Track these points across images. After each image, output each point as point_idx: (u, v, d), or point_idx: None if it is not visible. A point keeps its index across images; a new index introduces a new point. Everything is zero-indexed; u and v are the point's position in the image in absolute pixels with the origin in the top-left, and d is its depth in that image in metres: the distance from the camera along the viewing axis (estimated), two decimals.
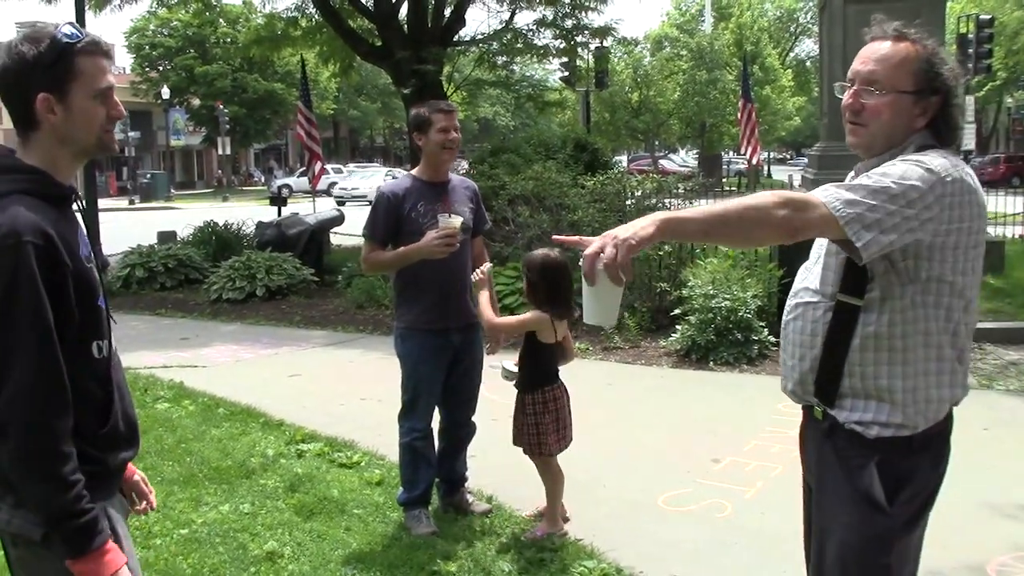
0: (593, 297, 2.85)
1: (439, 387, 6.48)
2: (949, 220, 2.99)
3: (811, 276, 3.36)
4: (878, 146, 3.24)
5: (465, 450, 6.81)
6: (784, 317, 3.45)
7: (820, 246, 3.35)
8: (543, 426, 6.17)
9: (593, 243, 2.77)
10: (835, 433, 3.28)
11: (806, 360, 3.30)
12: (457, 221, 5.98)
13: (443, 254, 5.97)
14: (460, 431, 6.73)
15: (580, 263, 2.77)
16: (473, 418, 6.78)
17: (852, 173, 3.36)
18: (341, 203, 44.58)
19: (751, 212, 2.87)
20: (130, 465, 3.15)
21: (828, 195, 2.92)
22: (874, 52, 3.23)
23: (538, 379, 6.21)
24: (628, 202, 14.24)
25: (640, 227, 2.76)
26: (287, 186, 56.37)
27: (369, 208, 6.45)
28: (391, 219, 6.17)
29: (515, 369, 6.23)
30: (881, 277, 3.09)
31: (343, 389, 10.38)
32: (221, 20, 64.67)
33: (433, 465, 6.54)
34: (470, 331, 6.51)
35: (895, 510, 3.18)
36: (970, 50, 30.23)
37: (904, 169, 2.98)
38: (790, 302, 3.43)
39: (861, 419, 3.19)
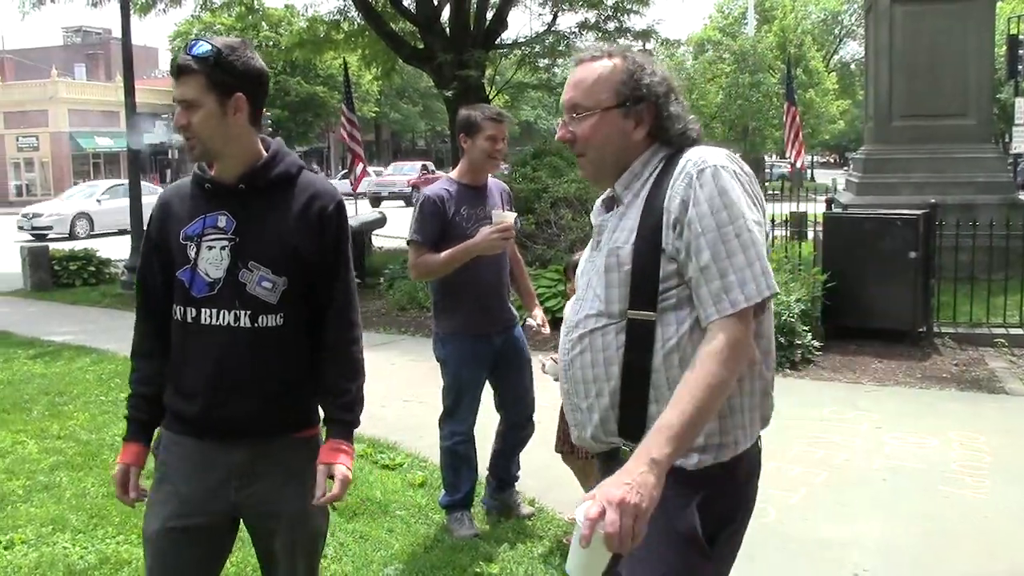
0: (582, 556, 2.50)
1: (480, 391, 6.45)
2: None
3: (587, 301, 3.00)
4: (609, 169, 3.04)
5: (521, 451, 6.76)
6: (563, 357, 3.07)
7: (592, 266, 3.04)
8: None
9: (591, 504, 2.48)
10: None
11: (604, 395, 2.93)
12: (511, 216, 5.98)
13: (500, 248, 5.98)
14: (520, 432, 6.67)
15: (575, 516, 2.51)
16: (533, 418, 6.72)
17: (600, 207, 3.17)
18: (376, 203, 45.15)
19: (719, 389, 2.66)
20: (339, 455, 3.46)
21: (727, 303, 2.71)
22: (571, 79, 3.06)
23: None
24: None
25: (645, 484, 2.50)
26: None
27: (414, 211, 6.33)
28: (438, 222, 6.09)
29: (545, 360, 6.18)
30: (672, 283, 2.83)
31: (385, 391, 10.37)
32: (264, 24, 64.74)
33: (474, 468, 6.51)
34: (510, 331, 6.50)
35: (717, 551, 2.91)
36: (1021, 51, 29.91)
37: (725, 186, 2.78)
38: (568, 338, 3.05)
39: None
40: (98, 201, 37.77)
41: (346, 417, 3.56)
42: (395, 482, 7.37)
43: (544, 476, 7.16)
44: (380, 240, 22.35)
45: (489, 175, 6.47)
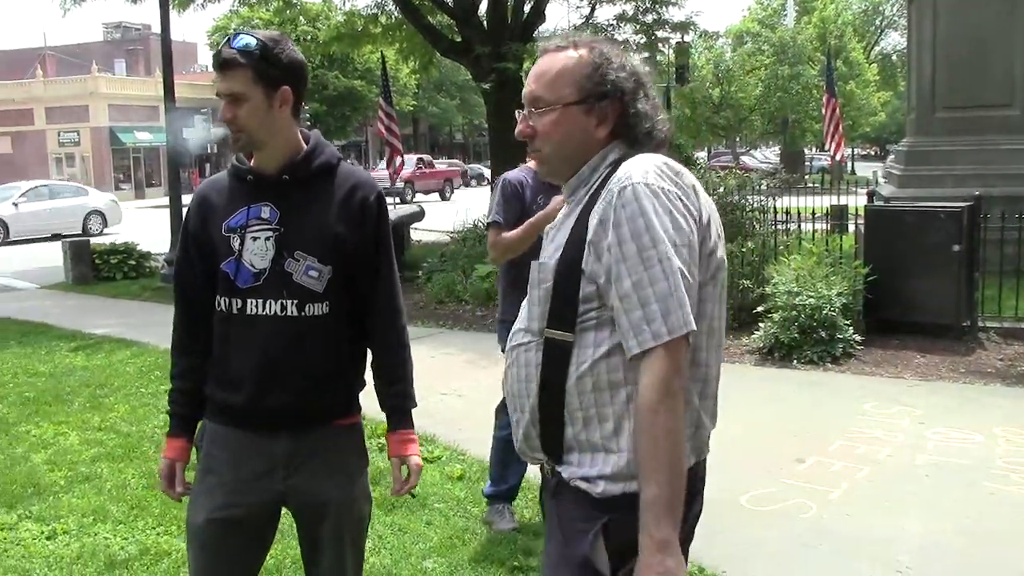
0: None
1: None
2: None
3: (522, 312, 2.92)
4: (563, 169, 2.91)
5: None
6: (505, 363, 2.99)
7: (533, 275, 2.87)
8: None
9: None
10: (561, 492, 2.77)
11: (526, 411, 2.81)
12: None
13: None
14: None
15: None
16: None
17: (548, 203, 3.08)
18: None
19: (675, 437, 2.52)
20: (408, 446, 3.69)
21: (648, 335, 2.54)
22: (533, 70, 2.91)
23: None
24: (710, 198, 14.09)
25: (668, 570, 2.47)
26: None
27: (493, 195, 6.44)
28: (518, 205, 6.16)
29: None
30: (587, 303, 2.67)
31: (423, 384, 10.26)
32: (301, 18, 65.03)
33: (524, 464, 6.43)
34: None
35: None
36: None
37: (648, 208, 2.59)
38: (508, 345, 2.95)
39: (587, 474, 2.70)
40: (15, 204, 33.82)
41: (404, 405, 3.71)
42: (433, 475, 7.36)
43: None
44: (418, 234, 22.36)
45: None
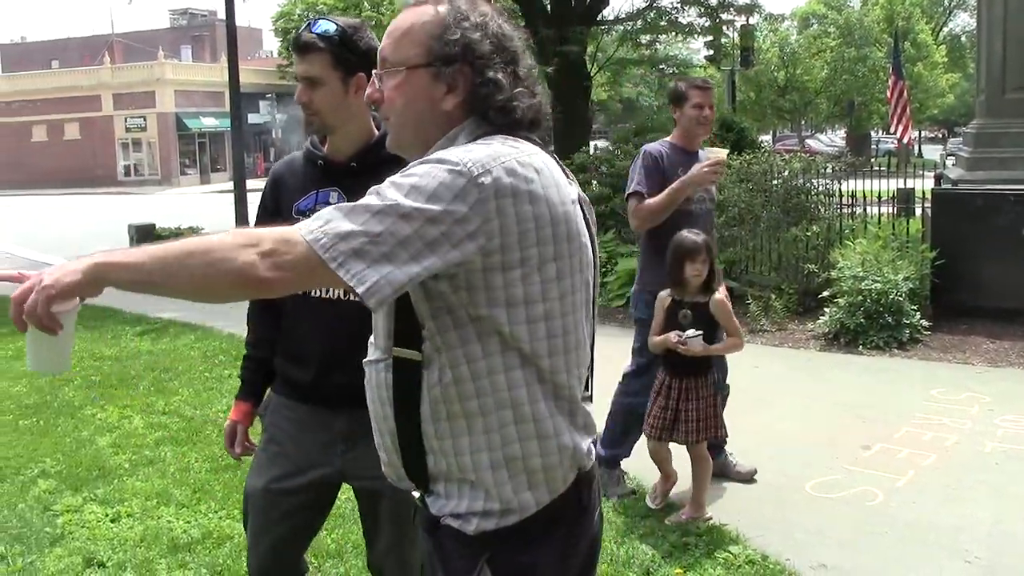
0: (31, 342, 2.32)
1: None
2: (503, 235, 2.26)
3: (374, 322, 2.58)
4: (408, 143, 2.51)
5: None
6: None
7: None
8: (687, 412, 6.08)
9: (25, 283, 2.21)
10: (436, 529, 2.49)
11: (386, 435, 2.52)
12: (723, 152, 6.33)
13: (713, 181, 6.40)
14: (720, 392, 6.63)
15: None
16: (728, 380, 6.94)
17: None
18: None
19: (199, 256, 2.17)
20: None
21: (316, 228, 2.17)
22: (389, 28, 2.52)
23: (678, 365, 6.11)
24: (775, 182, 13.99)
25: (65, 272, 2.18)
26: None
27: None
28: (658, 175, 6.36)
29: (693, 333, 6.05)
30: (433, 319, 2.36)
31: None
32: (366, 3, 65.44)
33: (638, 432, 6.56)
34: None
35: None
36: None
37: (422, 173, 2.23)
38: (366, 359, 2.60)
39: (456, 510, 2.44)
40: None
41: None
42: None
43: (647, 455, 7.09)
44: None
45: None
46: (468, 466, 2.40)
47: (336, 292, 3.43)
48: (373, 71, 2.53)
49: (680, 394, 6.09)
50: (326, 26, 3.42)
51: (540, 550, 2.44)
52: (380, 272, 2.16)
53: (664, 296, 6.14)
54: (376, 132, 3.56)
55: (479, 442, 2.38)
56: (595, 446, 2.57)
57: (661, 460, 6.35)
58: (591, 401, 2.60)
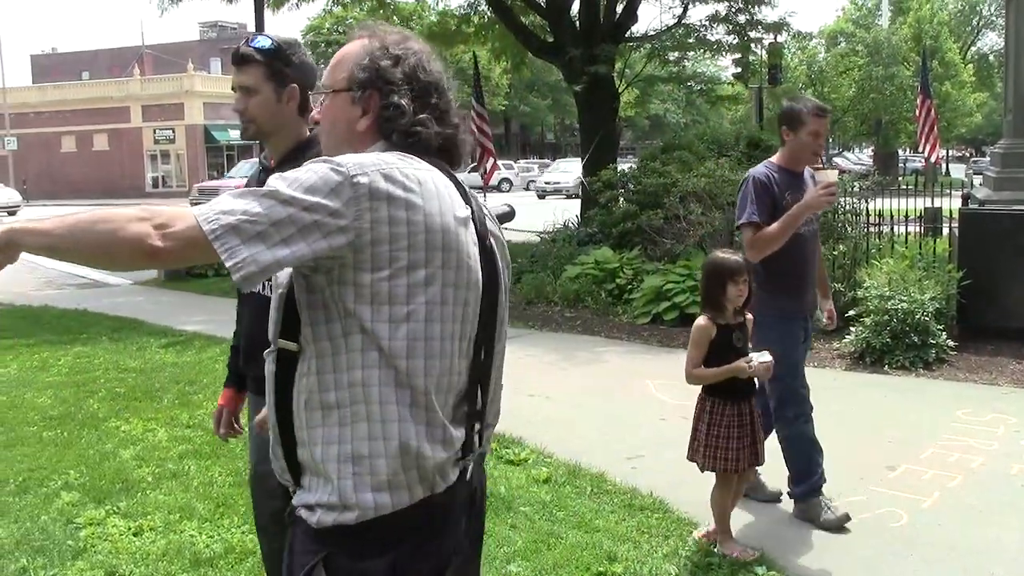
0: None
1: (804, 369, 6.59)
2: (374, 234, 2.40)
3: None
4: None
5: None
6: None
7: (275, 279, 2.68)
8: (717, 439, 5.92)
9: None
10: (292, 520, 2.60)
11: (273, 426, 2.64)
12: (833, 174, 6.09)
13: (829, 205, 6.43)
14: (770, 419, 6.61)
15: None
16: None
17: None
18: (542, 196, 47.41)
19: (102, 225, 2.31)
20: None
21: (206, 206, 2.34)
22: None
23: (712, 389, 5.99)
24: None
25: None
26: None
27: (745, 195, 6.37)
28: (769, 200, 6.23)
29: (767, 359, 5.97)
30: (308, 311, 2.50)
31: (511, 385, 10.23)
32: (395, 17, 65.60)
33: (819, 445, 6.52)
34: (812, 316, 6.72)
35: None
36: None
37: (307, 169, 2.42)
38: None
39: (308, 501, 2.52)
40: None
41: None
42: (519, 478, 7.34)
43: (671, 472, 7.08)
44: (509, 234, 22.38)
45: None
46: (320, 457, 2.49)
47: (267, 286, 3.39)
48: (313, 94, 2.88)
49: (750, 417, 5.98)
50: (263, 41, 3.77)
51: (374, 561, 2.47)
52: (251, 250, 2.30)
53: (707, 324, 5.89)
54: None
55: (332, 434, 2.48)
56: (464, 465, 2.62)
57: (738, 492, 6.27)
58: (480, 420, 2.72)
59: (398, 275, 2.42)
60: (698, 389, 6.08)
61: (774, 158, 6.55)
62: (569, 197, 44.12)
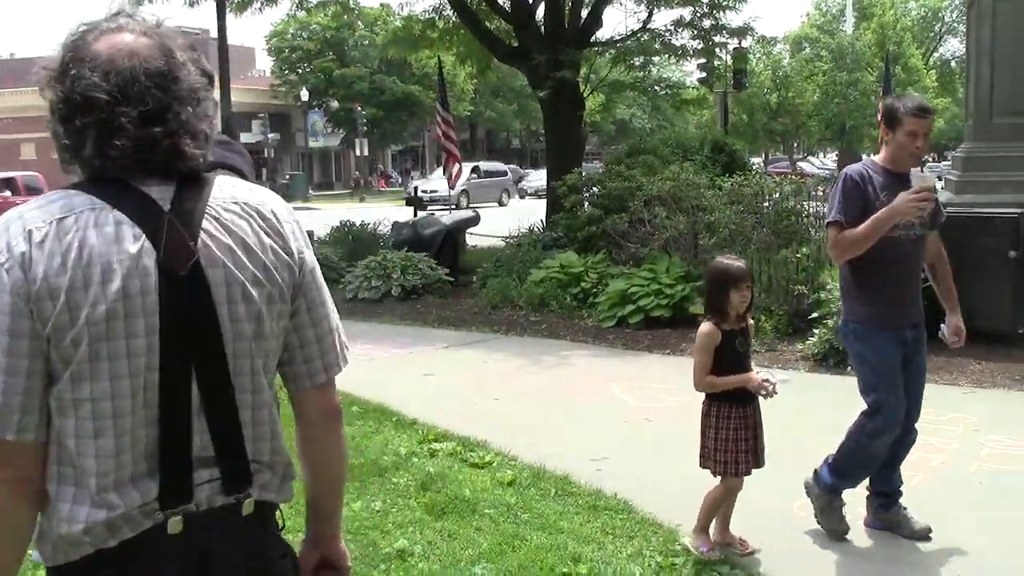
0: None
1: (902, 387, 6.13)
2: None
3: None
4: None
5: (904, 459, 6.44)
6: None
7: None
8: (727, 442, 5.90)
9: None
10: None
11: None
12: (932, 177, 5.80)
13: (919, 213, 5.81)
14: (906, 437, 6.30)
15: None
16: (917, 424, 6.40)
17: None
18: (422, 207, 40.69)
19: None
20: None
21: None
22: None
23: (717, 394, 5.95)
24: (766, 204, 14.09)
25: None
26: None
27: (836, 191, 6.15)
28: (859, 201, 5.90)
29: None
30: None
31: (476, 389, 10.40)
32: (359, 23, 65.63)
33: (878, 465, 6.27)
34: (919, 329, 6.29)
35: None
36: None
37: None
38: None
39: None
40: None
41: None
42: (484, 480, 7.38)
43: (636, 474, 7.14)
44: (474, 239, 22.43)
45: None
46: None
47: None
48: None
49: (753, 420, 6.00)
50: None
51: None
52: None
53: (712, 330, 5.83)
54: None
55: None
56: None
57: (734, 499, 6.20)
58: (186, 462, 2.33)
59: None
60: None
61: (876, 156, 6.29)
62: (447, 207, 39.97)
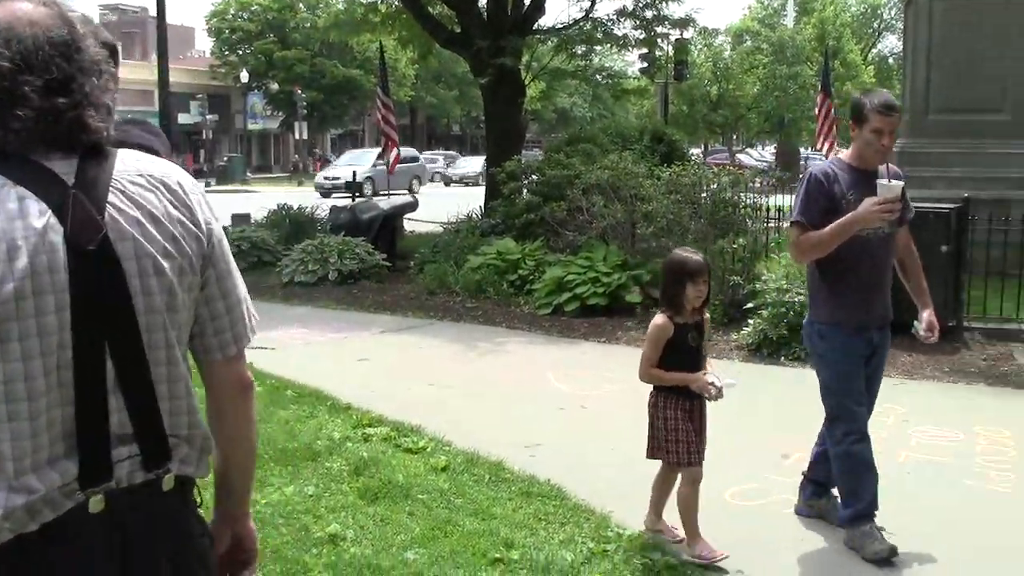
0: None
1: (863, 385, 6.17)
2: None
3: None
4: None
5: None
6: None
7: None
8: (676, 432, 5.87)
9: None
10: None
11: None
12: (898, 188, 5.68)
13: (882, 222, 5.72)
14: None
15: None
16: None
17: None
18: (326, 195, 41.41)
19: None
20: None
21: None
22: None
23: (663, 387, 5.94)
24: (703, 194, 14.17)
25: None
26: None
27: (800, 191, 6.06)
28: (823, 200, 5.82)
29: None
30: None
31: (411, 375, 10.39)
32: (301, 5, 65.30)
33: (875, 470, 6.07)
34: (886, 330, 6.28)
35: None
36: None
37: None
38: None
39: None
40: None
41: None
42: (417, 466, 7.38)
43: (569, 460, 7.17)
44: (412, 224, 22.40)
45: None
46: None
47: None
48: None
49: (701, 412, 6.00)
50: None
51: None
52: None
53: (665, 323, 5.81)
54: None
55: None
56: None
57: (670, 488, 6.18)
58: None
59: None
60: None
61: (843, 154, 6.19)
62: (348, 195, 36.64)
